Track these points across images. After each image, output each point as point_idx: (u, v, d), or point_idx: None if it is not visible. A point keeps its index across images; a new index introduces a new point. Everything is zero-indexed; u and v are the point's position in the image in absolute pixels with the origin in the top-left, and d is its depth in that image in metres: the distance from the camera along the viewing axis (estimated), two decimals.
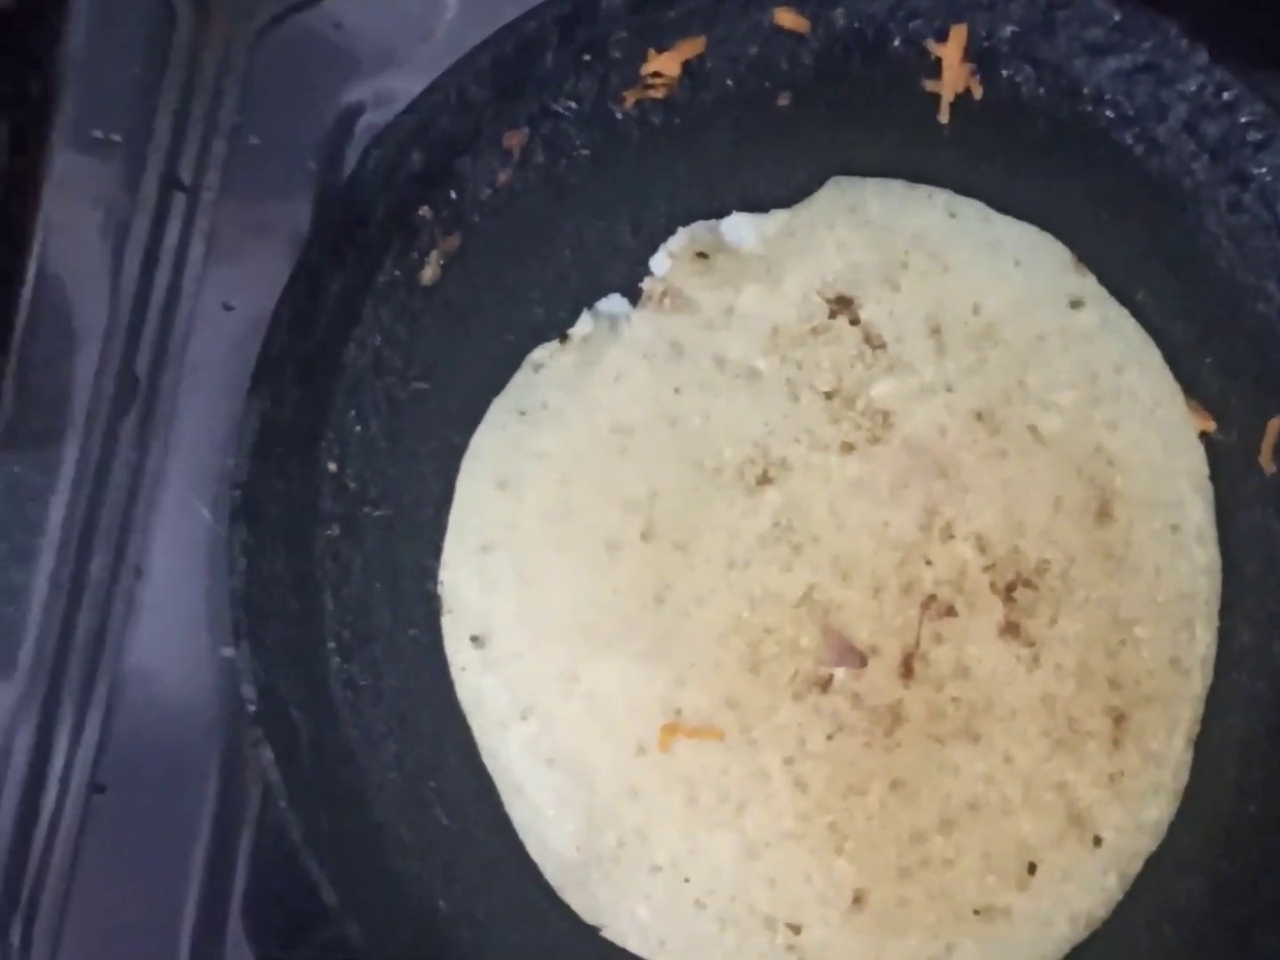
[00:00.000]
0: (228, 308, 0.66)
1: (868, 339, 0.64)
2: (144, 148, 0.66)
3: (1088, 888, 0.61)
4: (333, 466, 0.63)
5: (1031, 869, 0.61)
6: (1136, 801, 0.62)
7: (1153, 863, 0.62)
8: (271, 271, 0.63)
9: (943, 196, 0.65)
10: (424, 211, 0.64)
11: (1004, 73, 0.65)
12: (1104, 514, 0.63)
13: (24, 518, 0.64)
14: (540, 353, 0.64)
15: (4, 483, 0.64)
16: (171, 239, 0.66)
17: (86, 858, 0.62)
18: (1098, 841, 0.61)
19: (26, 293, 0.65)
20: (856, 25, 0.65)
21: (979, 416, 0.63)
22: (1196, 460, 0.64)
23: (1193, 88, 0.63)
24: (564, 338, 0.64)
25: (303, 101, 0.67)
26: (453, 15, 0.67)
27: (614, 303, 0.64)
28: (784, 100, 0.65)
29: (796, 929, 0.60)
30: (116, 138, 0.66)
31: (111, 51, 0.67)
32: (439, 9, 0.67)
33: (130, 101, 0.66)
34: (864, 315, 0.64)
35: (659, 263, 0.64)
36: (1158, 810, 0.62)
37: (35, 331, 0.65)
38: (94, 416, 0.65)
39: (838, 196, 0.65)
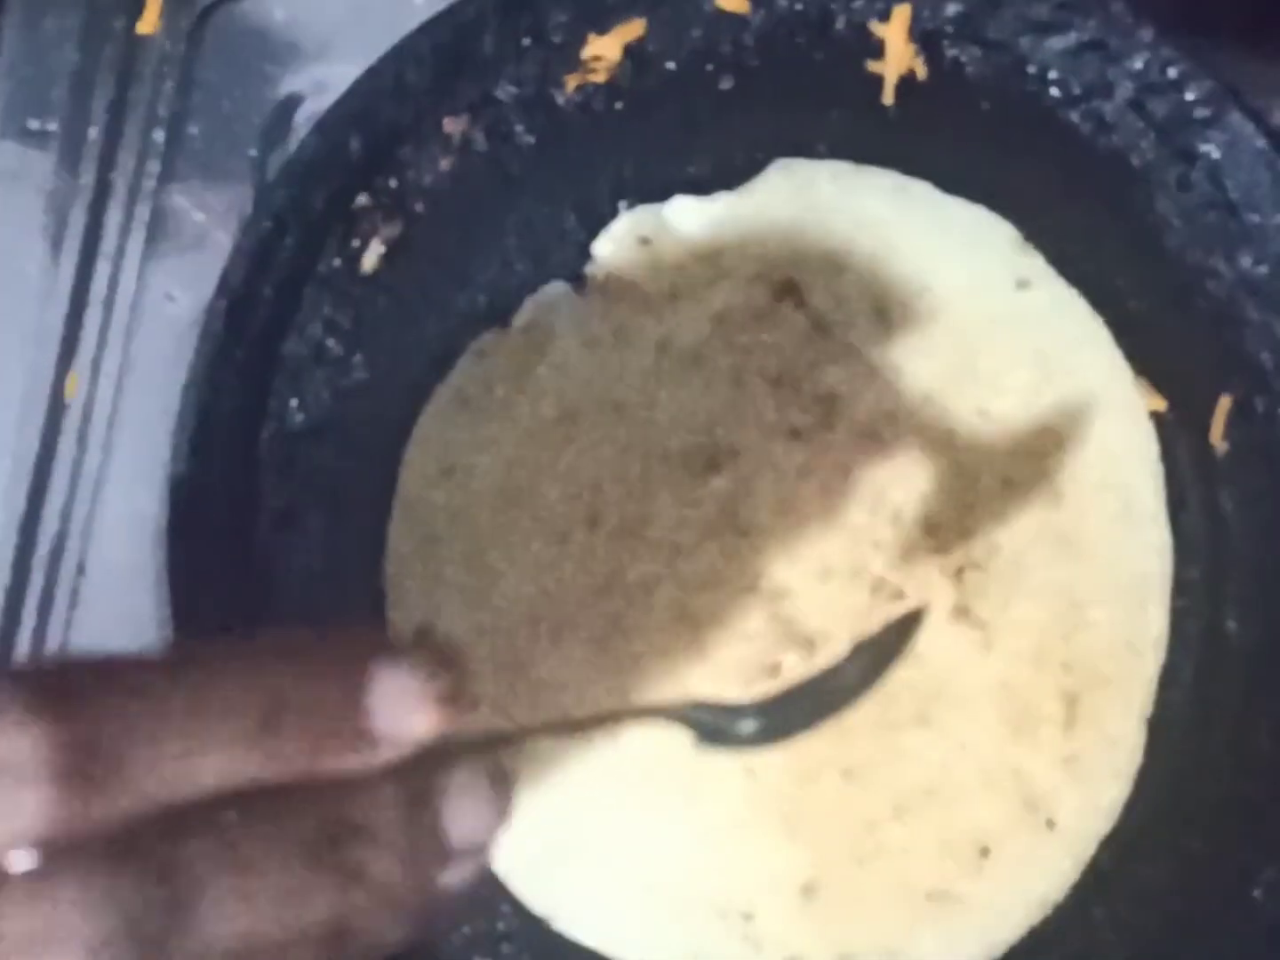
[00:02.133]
0: (170, 299, 0.65)
1: (814, 324, 0.63)
2: (81, 138, 0.65)
3: (1043, 871, 0.61)
4: (274, 458, 0.62)
5: (986, 854, 0.61)
6: (1092, 784, 0.61)
7: (1108, 844, 0.61)
8: (214, 262, 0.62)
9: (889, 178, 0.65)
10: (364, 199, 0.63)
11: (949, 53, 0.64)
12: (1055, 495, 0.62)
13: None
14: (483, 340, 0.63)
15: None
16: (111, 230, 0.65)
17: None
18: (1052, 825, 0.61)
19: None
20: (799, 7, 0.64)
21: (927, 400, 0.63)
22: (1147, 440, 0.63)
23: (1139, 65, 0.63)
24: (507, 325, 0.63)
25: (242, 90, 0.66)
26: (392, 1, 0.66)
27: (557, 290, 0.64)
28: (727, 83, 0.65)
29: (749, 917, 0.60)
30: (53, 128, 0.65)
31: (47, 40, 0.66)
32: None
33: (66, 91, 0.66)
34: (810, 300, 0.63)
35: (601, 248, 0.64)
36: (1113, 792, 0.61)
37: None
38: (32, 411, 0.64)
39: (783, 179, 0.64)
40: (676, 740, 0.59)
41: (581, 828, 0.60)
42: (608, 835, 0.60)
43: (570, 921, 0.61)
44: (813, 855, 0.60)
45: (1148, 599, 0.62)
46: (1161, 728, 0.62)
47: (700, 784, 0.60)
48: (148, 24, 0.66)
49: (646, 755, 0.60)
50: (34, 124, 0.65)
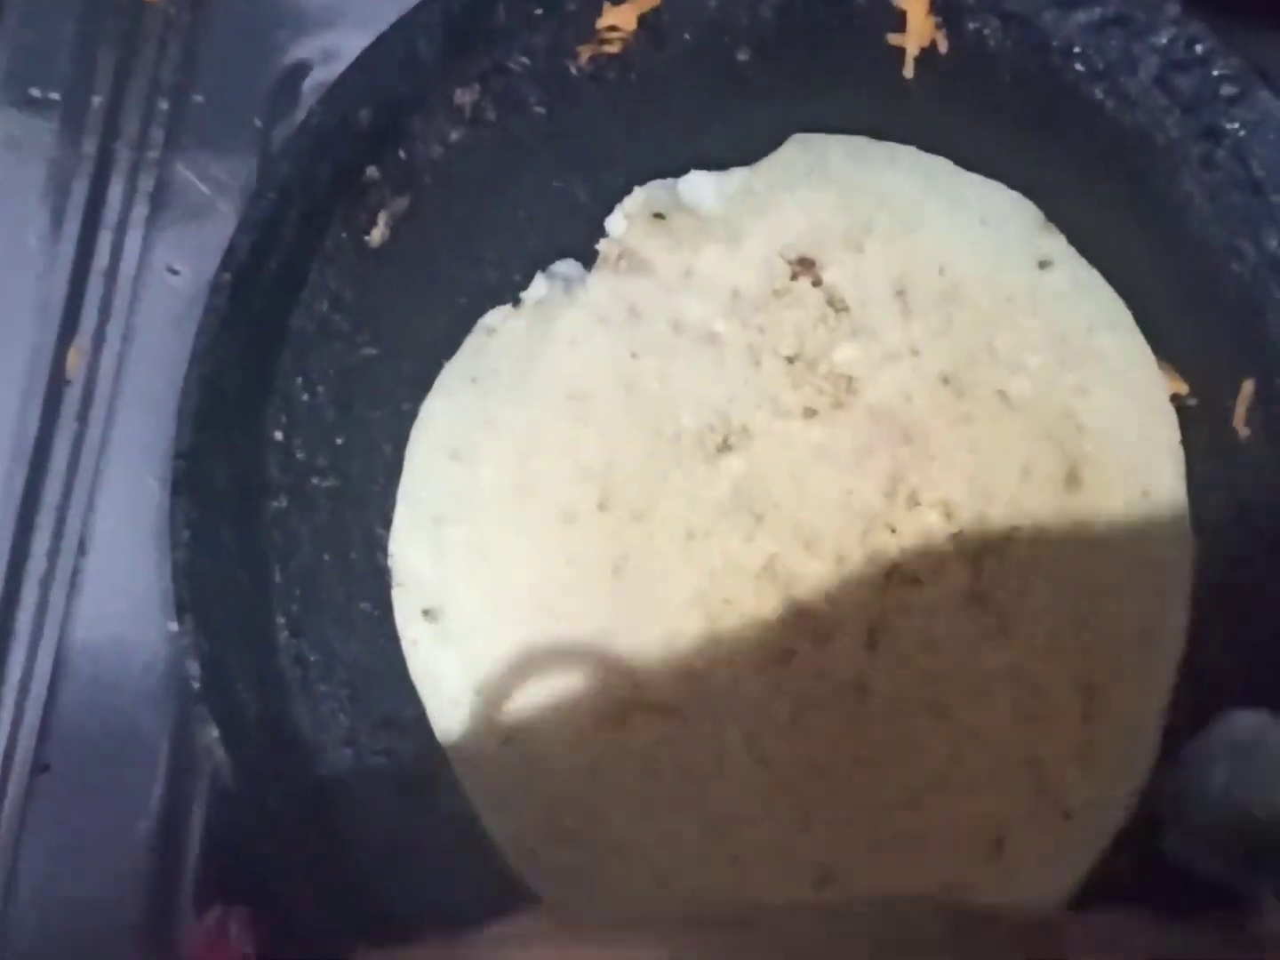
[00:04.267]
0: (173, 271, 0.64)
1: (831, 302, 0.62)
2: (84, 107, 0.64)
3: (1058, 862, 0.60)
4: (279, 435, 0.61)
5: (1000, 844, 0.60)
6: (1107, 774, 0.60)
7: (1123, 836, 0.60)
8: (218, 234, 0.61)
9: (908, 154, 0.63)
10: (372, 172, 0.62)
11: (970, 26, 0.63)
12: (1073, 480, 0.61)
13: None
14: (493, 317, 0.62)
15: None
16: (114, 201, 0.64)
17: (31, 838, 0.61)
18: (1067, 815, 0.60)
19: None
20: None
21: (945, 381, 0.61)
22: (1168, 425, 0.62)
23: (1164, 40, 0.62)
24: (517, 301, 0.62)
25: (248, 58, 0.65)
26: None
27: (569, 266, 0.63)
28: (744, 56, 0.63)
29: None
30: (55, 96, 0.64)
31: (50, 7, 0.65)
32: None
33: (69, 59, 0.64)
34: (827, 277, 0.62)
35: (615, 224, 0.63)
36: (1129, 782, 0.60)
37: None
38: (33, 385, 0.63)
39: (800, 154, 0.63)
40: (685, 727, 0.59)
41: (591, 819, 0.59)
42: (617, 826, 0.59)
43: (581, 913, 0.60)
44: (826, 844, 0.59)
45: (1166, 587, 0.61)
46: (1180, 719, 0.61)
47: (712, 774, 0.59)
48: None
49: (656, 747, 0.59)
50: (36, 92, 0.64)
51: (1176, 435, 0.62)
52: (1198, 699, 0.61)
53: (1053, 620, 0.60)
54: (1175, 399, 0.62)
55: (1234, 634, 0.61)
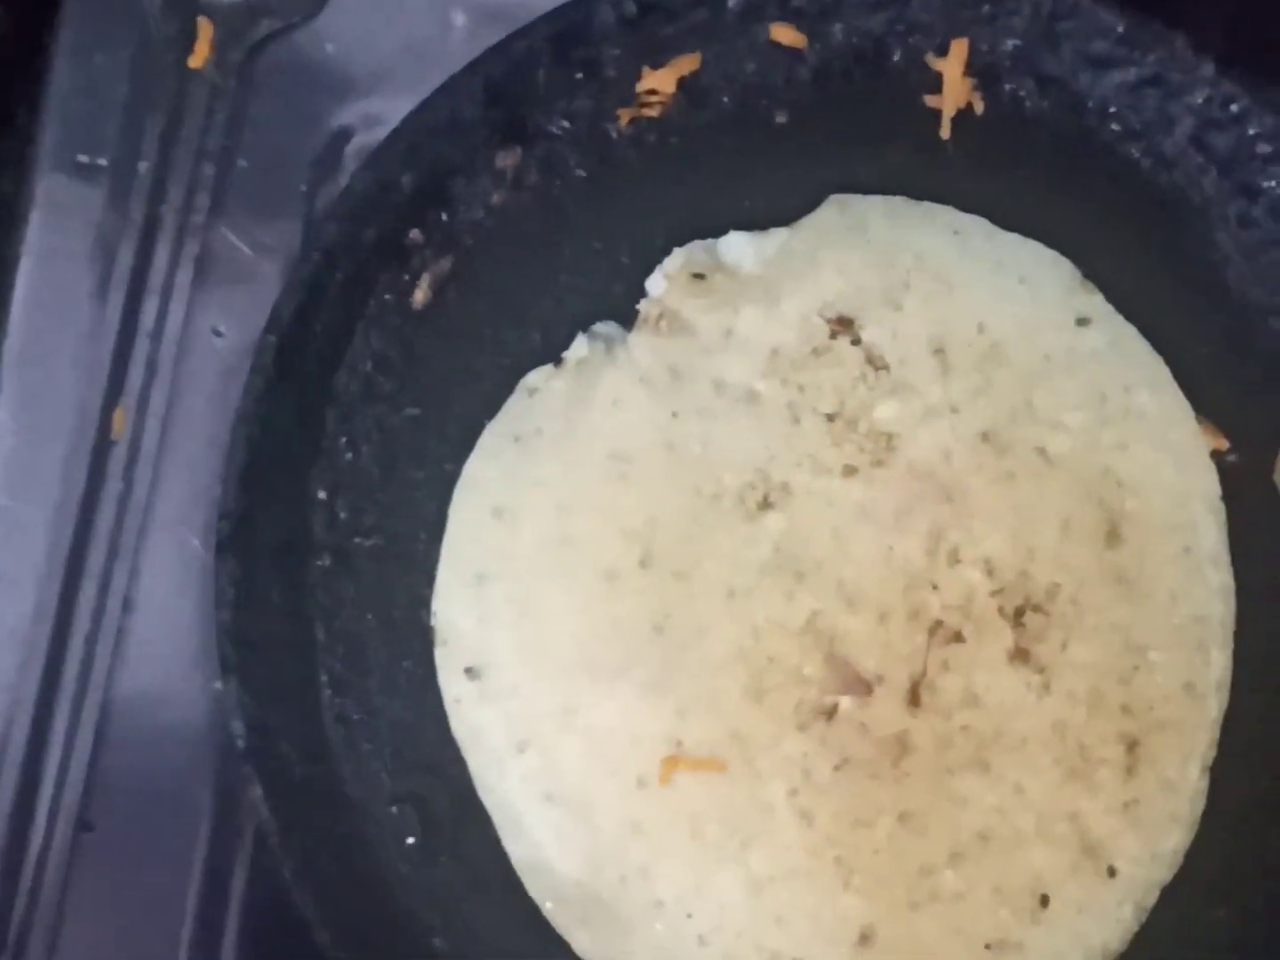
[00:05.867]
0: (217, 333, 0.65)
1: (870, 360, 0.62)
2: (131, 172, 0.65)
3: (1103, 920, 0.60)
4: (323, 495, 0.61)
5: (1045, 901, 0.59)
6: (1152, 831, 0.60)
7: (1169, 893, 0.60)
8: (262, 296, 0.62)
9: (945, 214, 0.64)
10: (415, 234, 0.62)
11: (1006, 87, 0.64)
12: (1114, 536, 0.61)
13: (10, 548, 0.63)
14: (535, 377, 0.63)
15: None
16: (160, 264, 0.65)
17: (74, 898, 0.61)
18: (1112, 872, 0.60)
19: (13, 319, 0.64)
20: (855, 40, 0.64)
21: (985, 438, 0.62)
22: (1208, 481, 0.62)
23: (1200, 100, 0.62)
24: (559, 362, 0.63)
25: (292, 123, 0.66)
26: (444, 35, 0.66)
27: (610, 326, 0.63)
28: (782, 117, 0.64)
29: None
30: (103, 162, 0.65)
31: (98, 75, 0.66)
32: (430, 29, 0.66)
33: (117, 125, 0.65)
34: (866, 336, 0.62)
35: (655, 284, 0.63)
36: (1174, 839, 0.60)
37: (22, 358, 0.64)
38: (80, 445, 0.63)
39: (837, 215, 0.64)
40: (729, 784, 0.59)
41: (634, 875, 0.59)
42: (660, 882, 0.59)
43: None
44: (868, 902, 0.59)
45: (1209, 642, 0.61)
46: (1225, 774, 0.60)
47: (755, 831, 0.59)
48: (199, 58, 0.65)
49: (700, 803, 0.59)
50: (84, 158, 0.65)
51: (1217, 491, 0.62)
52: (1242, 754, 0.61)
53: (1095, 676, 0.60)
54: (1215, 455, 0.63)
55: (1277, 690, 0.61)
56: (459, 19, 0.67)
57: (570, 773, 0.60)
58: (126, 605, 0.63)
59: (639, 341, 0.63)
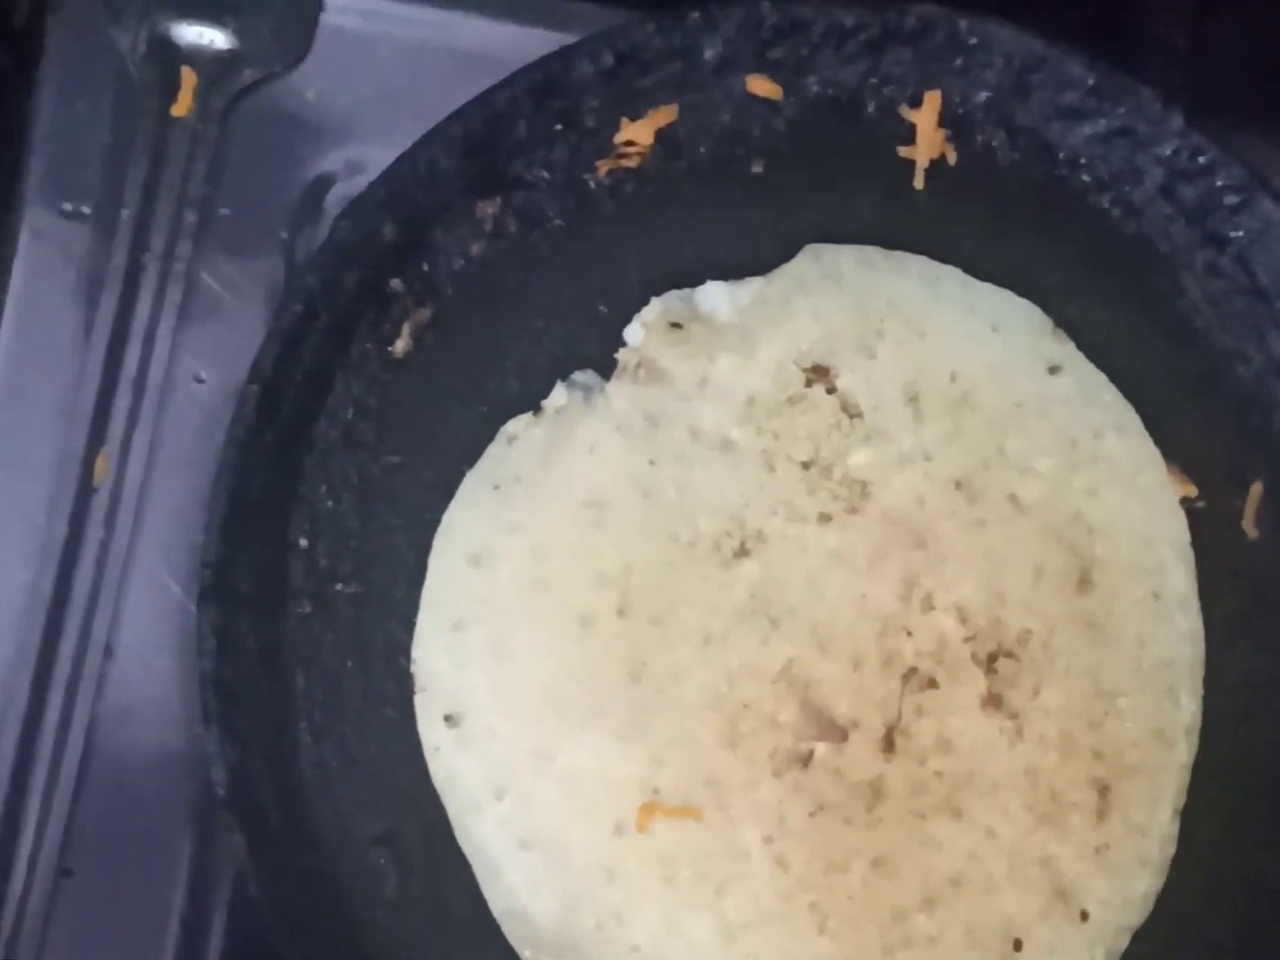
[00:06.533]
0: (199, 379, 0.65)
1: (845, 408, 0.63)
2: (114, 219, 0.65)
3: None
4: (303, 542, 0.62)
5: (1018, 945, 0.60)
6: (1122, 874, 0.61)
7: (1141, 936, 0.61)
8: (244, 342, 0.63)
9: (918, 263, 0.65)
10: (395, 283, 0.63)
11: (979, 138, 0.65)
12: (1085, 582, 0.62)
13: None
14: (514, 425, 0.63)
15: None
16: (142, 311, 0.65)
17: (54, 944, 0.61)
18: (1084, 916, 0.60)
19: None
20: (830, 92, 0.65)
21: (958, 485, 0.62)
22: (1178, 526, 0.63)
23: (1168, 152, 0.63)
24: (538, 410, 0.63)
25: (273, 172, 0.67)
26: (425, 83, 0.67)
27: (588, 375, 0.64)
28: (758, 167, 0.65)
29: None
30: (86, 210, 0.66)
31: (80, 124, 0.66)
32: (411, 78, 0.67)
33: (99, 173, 0.66)
34: (840, 384, 0.63)
35: (633, 333, 0.64)
36: (1144, 883, 0.61)
37: (4, 402, 0.65)
38: (61, 491, 0.64)
39: (812, 264, 0.64)
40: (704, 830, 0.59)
41: (609, 920, 0.60)
42: (636, 927, 0.60)
43: None
44: (842, 947, 0.59)
45: (1179, 686, 0.62)
46: (1195, 818, 0.61)
47: (730, 876, 0.59)
48: (182, 107, 0.66)
49: (675, 848, 0.59)
50: (67, 205, 0.65)
51: (1186, 537, 0.63)
52: (1213, 799, 0.61)
53: (1066, 721, 0.61)
54: (1185, 501, 0.63)
55: (1246, 734, 0.62)
56: (439, 68, 0.67)
57: (546, 818, 0.60)
58: (107, 651, 0.63)
59: (617, 390, 0.63)
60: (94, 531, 0.64)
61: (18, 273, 0.65)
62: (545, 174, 0.64)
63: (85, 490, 0.64)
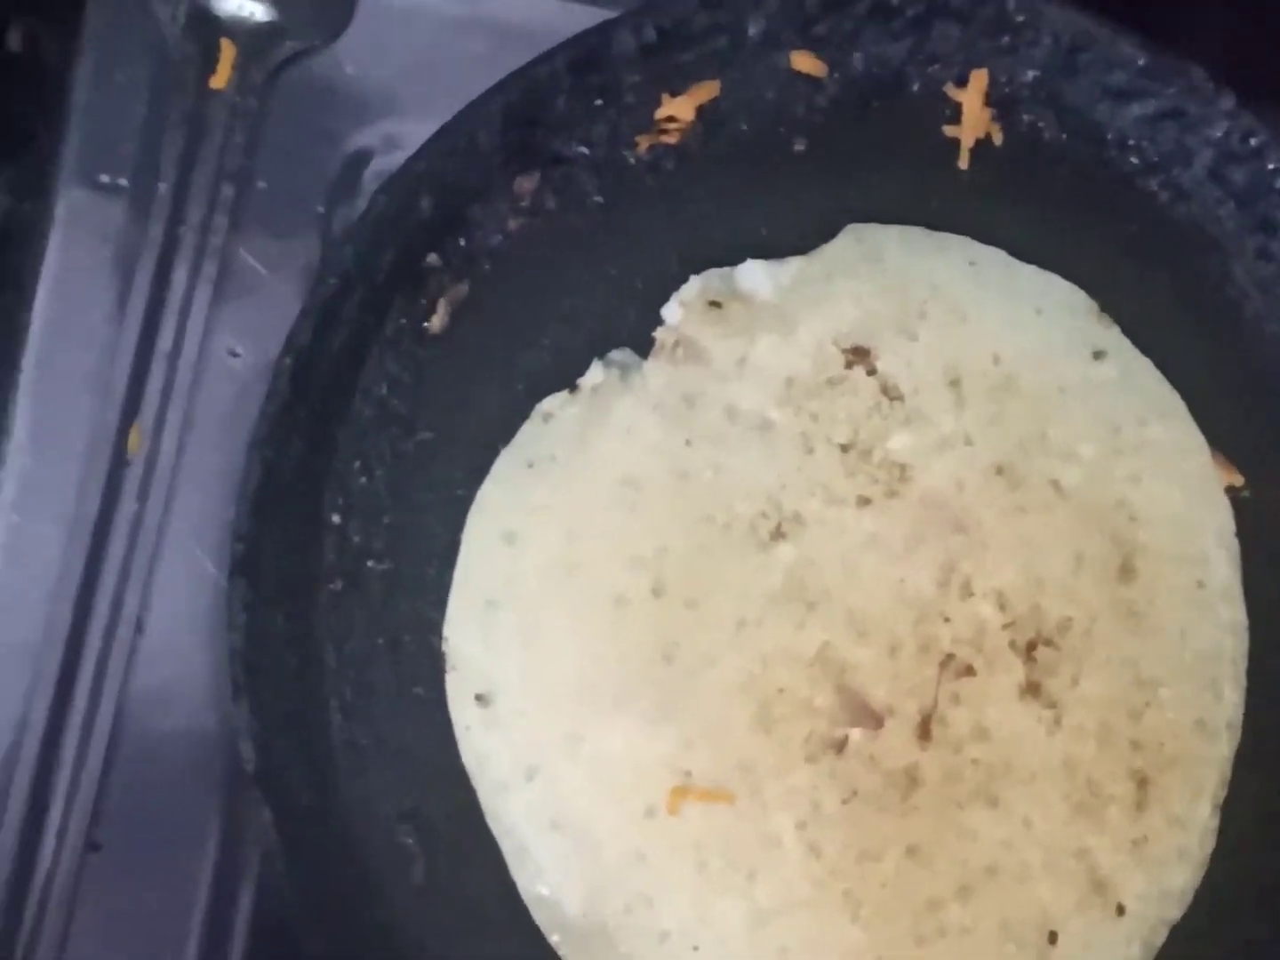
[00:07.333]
0: (234, 354, 0.65)
1: (885, 390, 0.62)
2: (150, 192, 0.65)
3: (1111, 957, 0.59)
4: (336, 519, 0.61)
5: (1053, 938, 0.59)
6: (1160, 868, 0.60)
7: (1178, 931, 0.60)
8: (278, 317, 0.62)
9: (962, 244, 0.64)
10: (432, 259, 0.62)
11: (1025, 118, 0.64)
12: (1127, 570, 0.61)
13: (23, 567, 0.63)
14: (549, 403, 0.63)
15: (2, 532, 0.63)
16: (178, 285, 0.65)
17: (82, 917, 0.61)
18: (1121, 910, 0.59)
19: (31, 339, 0.64)
20: (875, 70, 0.64)
21: (998, 470, 0.62)
22: (1222, 515, 0.62)
23: (1219, 133, 0.62)
24: (574, 388, 0.63)
25: (311, 145, 0.66)
26: (464, 58, 0.66)
27: (625, 353, 0.63)
28: (800, 146, 0.64)
29: None
30: (123, 182, 0.65)
31: (118, 96, 0.66)
32: (450, 52, 0.67)
33: (137, 146, 0.65)
34: (881, 366, 0.62)
35: (671, 312, 0.63)
36: (1182, 877, 0.60)
37: (39, 376, 0.64)
38: (95, 464, 0.63)
39: (854, 244, 0.64)
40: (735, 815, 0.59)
41: (639, 905, 0.59)
42: (666, 913, 0.59)
43: None
44: (875, 936, 0.59)
45: (1221, 678, 0.61)
46: (1235, 811, 0.60)
47: (762, 863, 0.59)
48: (221, 79, 0.65)
49: (706, 833, 0.59)
50: (104, 178, 0.65)
51: (1231, 526, 0.62)
52: (1254, 793, 0.60)
53: (1105, 711, 0.60)
54: (1230, 490, 0.62)
55: None
56: (479, 42, 0.67)
57: (576, 801, 0.59)
58: (138, 626, 0.63)
59: (654, 369, 0.63)
60: (127, 505, 0.63)
61: (54, 245, 0.65)
62: (585, 150, 0.64)
63: (119, 463, 0.64)
